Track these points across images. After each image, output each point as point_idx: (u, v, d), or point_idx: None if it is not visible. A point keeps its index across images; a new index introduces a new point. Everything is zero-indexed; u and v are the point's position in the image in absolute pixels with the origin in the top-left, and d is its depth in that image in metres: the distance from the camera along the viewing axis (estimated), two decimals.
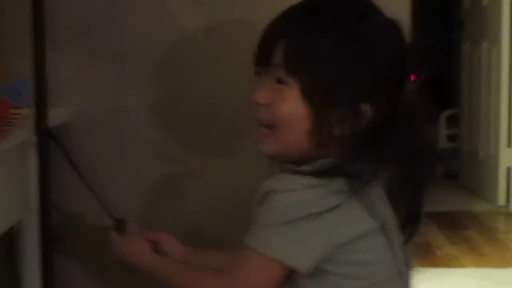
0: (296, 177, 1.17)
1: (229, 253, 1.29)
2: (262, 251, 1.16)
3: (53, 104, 1.48)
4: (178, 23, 1.63)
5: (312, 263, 1.16)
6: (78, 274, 1.69)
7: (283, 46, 1.20)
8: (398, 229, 1.28)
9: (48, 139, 1.41)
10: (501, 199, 4.60)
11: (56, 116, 1.48)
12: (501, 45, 4.54)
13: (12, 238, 1.56)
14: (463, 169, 5.14)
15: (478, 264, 3.48)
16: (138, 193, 1.57)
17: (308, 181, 1.16)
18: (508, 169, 4.60)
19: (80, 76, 1.65)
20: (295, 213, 1.14)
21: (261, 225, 1.17)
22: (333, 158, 1.19)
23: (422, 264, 3.48)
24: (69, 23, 1.63)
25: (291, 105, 1.20)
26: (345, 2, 1.25)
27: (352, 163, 1.19)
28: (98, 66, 1.65)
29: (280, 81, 1.21)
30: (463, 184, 5.06)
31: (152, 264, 1.33)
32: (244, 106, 1.35)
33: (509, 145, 4.61)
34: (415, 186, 1.28)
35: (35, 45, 1.39)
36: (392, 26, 1.24)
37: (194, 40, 1.63)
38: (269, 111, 1.22)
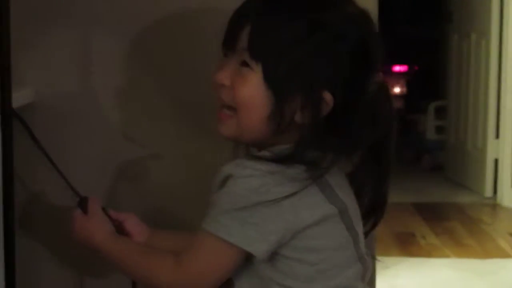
0: (254, 163, 1.17)
1: (193, 234, 1.27)
2: (219, 234, 1.16)
3: (17, 85, 1.46)
4: (147, 6, 1.62)
5: (269, 248, 1.16)
6: (40, 251, 1.68)
7: (249, 30, 1.20)
8: (360, 216, 1.28)
9: (11, 119, 1.39)
10: (488, 191, 4.63)
11: (20, 97, 1.46)
12: (490, 37, 4.55)
13: None
14: (450, 160, 5.16)
15: (460, 255, 3.50)
16: (101, 175, 1.55)
17: (267, 166, 1.16)
18: (496, 160, 4.62)
19: (44, 57, 1.63)
20: (252, 198, 1.14)
21: (219, 210, 1.17)
22: (292, 144, 1.19)
23: (405, 254, 3.52)
24: (34, 1, 1.62)
25: (252, 89, 1.20)
26: None
27: (311, 151, 1.18)
28: (64, 47, 1.63)
29: (243, 64, 1.21)
30: (450, 176, 5.08)
31: (109, 244, 1.32)
32: (210, 89, 1.35)
33: (497, 137, 4.62)
34: (378, 176, 1.28)
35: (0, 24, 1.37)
36: (360, 16, 1.24)
37: (163, 21, 1.61)
38: (230, 93, 1.22)
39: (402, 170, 5.33)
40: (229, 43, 1.24)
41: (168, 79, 1.61)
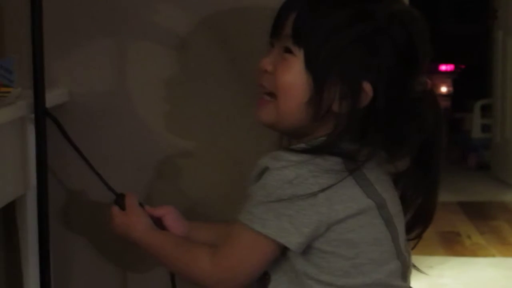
0: (290, 154, 1.18)
1: (230, 226, 1.28)
2: (254, 227, 1.17)
3: (51, 85, 1.50)
4: (182, 9, 1.64)
5: (303, 240, 1.17)
6: (75, 247, 1.71)
7: (293, 18, 1.22)
8: (402, 213, 1.28)
9: (45, 118, 1.43)
10: None
11: (53, 97, 1.49)
12: None
13: (11, 212, 1.59)
14: (496, 159, 5.10)
15: (506, 254, 3.46)
16: (135, 174, 1.58)
17: (302, 158, 1.17)
18: None
19: (78, 57, 1.67)
20: (287, 190, 1.15)
21: (254, 202, 1.18)
22: (328, 135, 1.20)
23: (450, 253, 3.50)
24: (66, 4, 1.65)
25: (293, 74, 1.22)
26: None
27: (348, 143, 1.19)
28: (97, 48, 1.67)
29: (287, 50, 1.23)
30: (496, 174, 5.03)
31: (148, 238, 1.34)
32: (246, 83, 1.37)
33: None
34: (426, 185, 1.29)
35: (33, 25, 1.40)
36: (405, 14, 1.24)
37: (197, 23, 1.64)
38: (273, 79, 1.24)
39: (448, 169, 5.26)
40: (275, 32, 1.26)
41: (202, 78, 1.64)
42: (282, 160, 1.17)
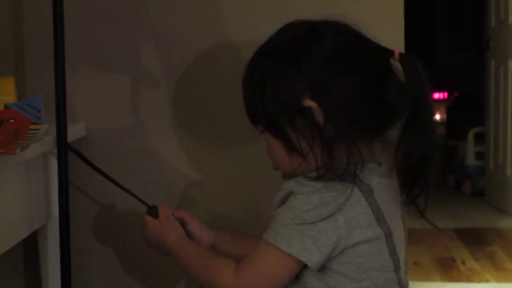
0: (311, 182, 1.26)
1: (254, 241, 1.35)
2: (279, 246, 1.24)
3: (71, 120, 1.56)
4: (192, 39, 1.70)
5: (322, 260, 1.24)
6: (95, 276, 1.78)
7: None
8: (404, 244, 1.36)
9: (67, 152, 1.50)
10: None
11: (74, 131, 1.57)
12: None
13: (35, 242, 1.66)
14: (490, 186, 5.14)
15: (500, 280, 3.49)
16: (153, 202, 1.65)
17: (321, 184, 1.25)
18: None
19: (95, 93, 1.73)
20: (312, 213, 1.23)
21: (280, 223, 1.25)
22: (324, 164, 1.27)
23: (445, 279, 3.52)
24: (83, 42, 1.71)
25: (271, 146, 1.33)
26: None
27: (336, 164, 1.25)
28: (113, 84, 1.73)
29: (262, 132, 1.35)
30: (491, 201, 5.05)
31: (181, 246, 1.41)
32: None
33: None
34: (423, 131, 1.28)
35: (56, 65, 1.46)
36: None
37: (209, 55, 1.71)
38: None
39: (444, 196, 5.35)
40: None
41: (216, 110, 1.71)
42: (307, 186, 1.25)
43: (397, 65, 1.29)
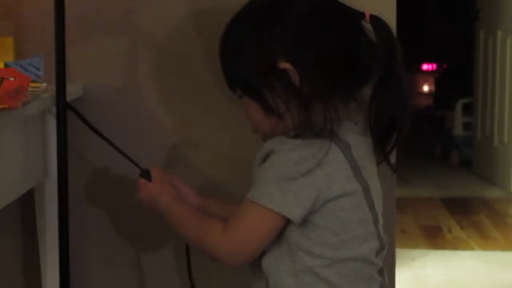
0: (291, 139, 1.29)
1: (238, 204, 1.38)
2: (262, 203, 1.27)
3: (70, 81, 1.57)
4: (191, 5, 1.72)
5: (303, 213, 1.27)
6: (92, 234, 1.80)
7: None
8: (381, 201, 1.39)
9: (66, 111, 1.51)
10: None
11: (71, 91, 1.57)
12: None
13: (31, 200, 1.68)
14: (477, 156, 5.19)
15: (486, 247, 3.56)
16: (146, 163, 1.63)
17: (300, 142, 1.28)
18: None
19: (93, 53, 1.75)
20: (293, 169, 1.26)
21: (263, 181, 1.28)
22: (301, 123, 1.30)
23: (432, 246, 3.58)
24: (80, 2, 1.72)
25: (249, 109, 1.37)
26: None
27: (313, 122, 1.29)
28: (111, 44, 1.74)
29: (240, 97, 1.38)
30: (477, 171, 5.11)
31: (174, 206, 1.43)
32: None
33: None
34: (394, 87, 1.33)
35: (56, 25, 1.47)
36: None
37: (203, 17, 1.72)
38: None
39: (431, 166, 5.40)
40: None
41: (212, 71, 1.71)
42: (286, 143, 1.28)
43: (368, 26, 1.33)
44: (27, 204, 1.73)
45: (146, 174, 1.47)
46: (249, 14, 1.36)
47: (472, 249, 3.55)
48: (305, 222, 1.29)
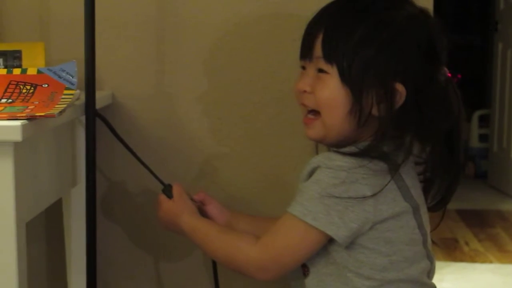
0: (341, 156, 1.26)
1: (271, 222, 1.37)
2: (305, 219, 1.25)
3: (99, 88, 1.56)
4: (225, 14, 1.71)
5: (349, 235, 1.25)
6: (119, 241, 1.78)
7: (320, 39, 1.31)
8: (428, 219, 1.37)
9: (95, 119, 1.50)
10: None
11: (100, 98, 1.56)
12: None
13: (60, 208, 1.67)
14: (493, 168, 5.16)
15: (503, 261, 3.52)
16: (176, 172, 1.63)
17: (352, 160, 1.25)
18: None
19: (124, 62, 1.73)
20: (339, 188, 1.24)
21: (307, 196, 1.26)
22: (373, 138, 1.29)
23: (449, 259, 3.55)
24: (114, 11, 1.71)
25: (331, 90, 1.30)
26: None
27: (388, 144, 1.28)
28: (139, 51, 1.73)
29: (320, 71, 1.32)
30: (493, 183, 5.08)
31: (194, 224, 1.40)
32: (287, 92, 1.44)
33: None
34: (452, 162, 1.36)
35: (86, 33, 1.46)
36: (420, 14, 1.34)
37: (240, 29, 1.71)
38: (313, 98, 1.33)
39: None
40: (305, 54, 1.35)
41: (241, 81, 1.71)
42: (335, 160, 1.26)
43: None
44: (52, 212, 1.72)
45: (168, 190, 1.45)
46: (388, 21, 1.31)
47: (490, 262, 3.52)
48: (352, 243, 1.27)
